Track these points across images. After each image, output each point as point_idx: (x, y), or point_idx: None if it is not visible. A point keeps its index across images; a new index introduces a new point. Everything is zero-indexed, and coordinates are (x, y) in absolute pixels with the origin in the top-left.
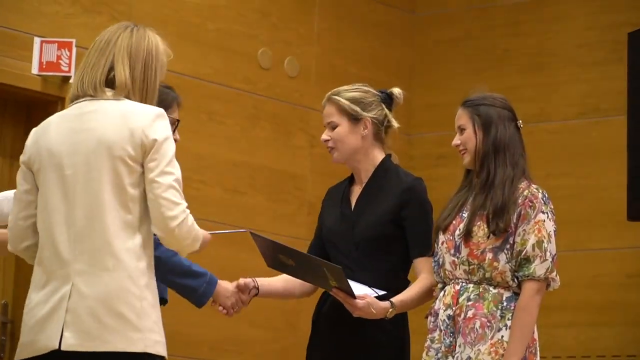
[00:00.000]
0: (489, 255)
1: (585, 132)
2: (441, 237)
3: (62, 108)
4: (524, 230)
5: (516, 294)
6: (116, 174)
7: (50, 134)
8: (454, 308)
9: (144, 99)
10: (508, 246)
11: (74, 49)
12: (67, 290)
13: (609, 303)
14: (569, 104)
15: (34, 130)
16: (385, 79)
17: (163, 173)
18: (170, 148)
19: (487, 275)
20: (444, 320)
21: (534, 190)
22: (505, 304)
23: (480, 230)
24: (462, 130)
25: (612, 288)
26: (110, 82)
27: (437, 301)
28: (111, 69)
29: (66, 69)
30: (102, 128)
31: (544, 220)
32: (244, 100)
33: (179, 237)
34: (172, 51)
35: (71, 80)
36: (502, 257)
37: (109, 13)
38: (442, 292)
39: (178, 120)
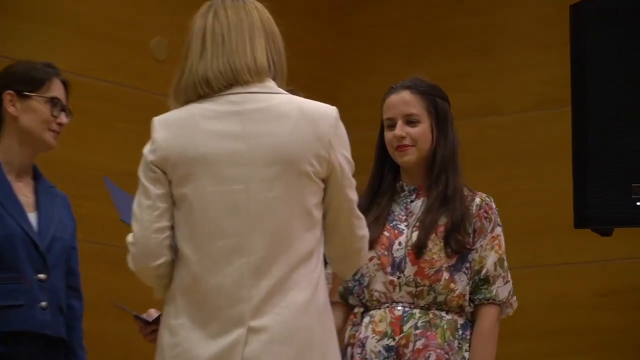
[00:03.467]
0: (445, 276)
1: (544, 126)
2: (369, 253)
3: None
4: (481, 246)
5: (469, 322)
6: (302, 193)
7: (197, 133)
8: (396, 338)
9: (281, 86)
10: (468, 265)
11: None
12: (241, 334)
13: (576, 327)
14: (524, 93)
15: (160, 121)
16: (310, 71)
17: (351, 186)
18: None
19: (440, 299)
20: (380, 352)
21: (487, 199)
22: (460, 332)
23: (436, 246)
24: (411, 121)
25: (579, 310)
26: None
27: (362, 328)
28: (253, 51)
29: None
30: (280, 134)
31: (501, 235)
32: (136, 99)
33: (362, 257)
34: (51, 44)
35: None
36: (462, 277)
37: None
38: (367, 317)
39: (57, 99)
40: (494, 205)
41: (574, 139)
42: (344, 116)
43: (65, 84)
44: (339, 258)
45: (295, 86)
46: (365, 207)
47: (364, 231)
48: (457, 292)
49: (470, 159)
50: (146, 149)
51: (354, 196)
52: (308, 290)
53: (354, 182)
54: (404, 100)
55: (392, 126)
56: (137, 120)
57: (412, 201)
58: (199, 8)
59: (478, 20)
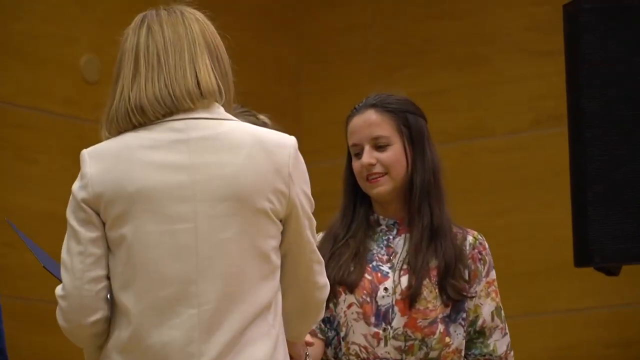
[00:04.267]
0: (440, 328)
1: (541, 147)
2: (347, 298)
3: None
4: (476, 292)
5: None
6: (259, 235)
7: (135, 165)
8: None
9: (229, 112)
10: (464, 315)
11: None
12: None
13: None
14: (517, 111)
15: (91, 154)
16: (262, 86)
17: (312, 227)
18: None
19: (433, 355)
20: None
21: (479, 237)
22: None
23: (430, 293)
24: (380, 145)
25: None
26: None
27: None
28: (196, 72)
29: None
30: (232, 165)
31: (496, 280)
32: (63, 127)
33: (322, 310)
34: None
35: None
36: (458, 330)
37: None
38: None
39: None
40: (487, 245)
41: (572, 161)
42: (302, 141)
43: None
44: (296, 312)
45: (250, 106)
46: (339, 244)
47: (324, 279)
48: (453, 347)
49: (456, 189)
50: (75, 186)
51: (314, 238)
52: (267, 347)
53: (314, 221)
54: (368, 122)
55: (359, 153)
56: (64, 152)
57: (393, 238)
58: (128, 18)
59: (461, 26)
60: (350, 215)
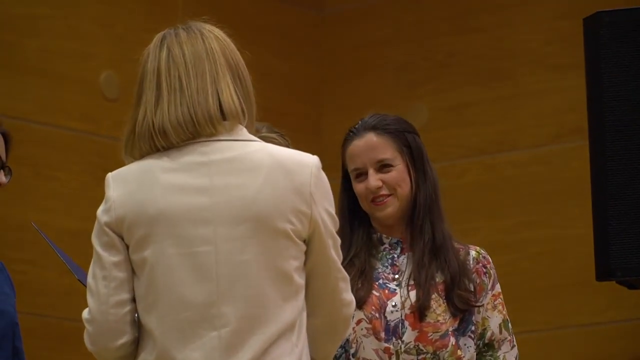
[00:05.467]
0: (452, 341)
1: (564, 161)
2: (355, 315)
3: None
4: (482, 304)
5: None
6: (280, 256)
7: (157, 188)
8: None
9: (252, 132)
10: (473, 327)
11: None
12: None
13: None
14: (541, 124)
15: (115, 177)
16: (283, 103)
17: (336, 246)
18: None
19: None
20: None
21: (482, 251)
22: None
23: (439, 307)
24: (384, 166)
25: None
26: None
27: None
28: (218, 94)
29: None
30: (251, 187)
31: (501, 292)
32: (83, 145)
33: (349, 327)
34: None
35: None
36: (468, 343)
37: None
38: None
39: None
40: (490, 259)
41: (593, 175)
42: (324, 158)
43: (5, 136)
44: (324, 332)
45: (269, 122)
46: (343, 264)
47: (350, 296)
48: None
49: (480, 203)
50: (100, 210)
51: (338, 256)
52: None
53: (338, 240)
54: (371, 145)
55: (361, 175)
56: (83, 169)
57: (398, 256)
58: (148, 34)
59: (484, 40)
60: (348, 238)
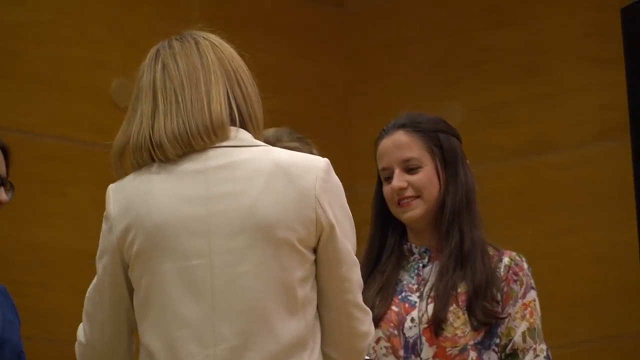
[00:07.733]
0: (472, 355)
1: (608, 161)
2: (375, 333)
3: None
4: (509, 315)
5: None
6: (281, 267)
7: (152, 199)
8: None
9: (258, 137)
10: (497, 341)
11: None
12: None
13: None
14: (582, 122)
15: (115, 190)
16: (309, 107)
17: (349, 263)
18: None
19: None
20: None
21: (517, 258)
22: None
23: (458, 319)
24: (411, 167)
25: None
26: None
27: None
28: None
29: None
30: (249, 194)
31: (535, 300)
32: (94, 157)
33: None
34: None
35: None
36: (491, 357)
37: None
38: None
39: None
40: (525, 266)
41: (636, 175)
42: (353, 164)
43: (4, 150)
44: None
45: (294, 128)
46: (365, 277)
47: (367, 327)
48: None
49: (519, 208)
50: (103, 229)
51: (354, 276)
52: None
53: (356, 261)
54: (398, 144)
55: (390, 177)
56: (95, 183)
57: (424, 266)
58: (160, 38)
59: (520, 34)
60: (377, 247)
